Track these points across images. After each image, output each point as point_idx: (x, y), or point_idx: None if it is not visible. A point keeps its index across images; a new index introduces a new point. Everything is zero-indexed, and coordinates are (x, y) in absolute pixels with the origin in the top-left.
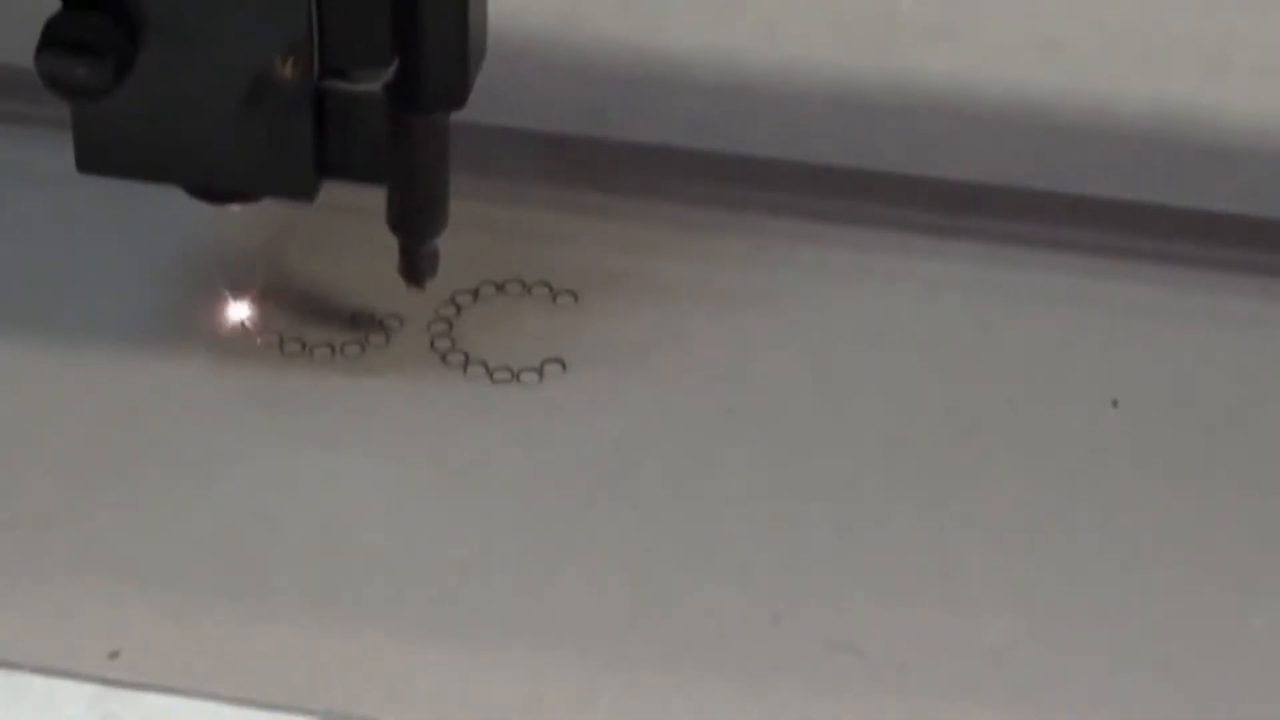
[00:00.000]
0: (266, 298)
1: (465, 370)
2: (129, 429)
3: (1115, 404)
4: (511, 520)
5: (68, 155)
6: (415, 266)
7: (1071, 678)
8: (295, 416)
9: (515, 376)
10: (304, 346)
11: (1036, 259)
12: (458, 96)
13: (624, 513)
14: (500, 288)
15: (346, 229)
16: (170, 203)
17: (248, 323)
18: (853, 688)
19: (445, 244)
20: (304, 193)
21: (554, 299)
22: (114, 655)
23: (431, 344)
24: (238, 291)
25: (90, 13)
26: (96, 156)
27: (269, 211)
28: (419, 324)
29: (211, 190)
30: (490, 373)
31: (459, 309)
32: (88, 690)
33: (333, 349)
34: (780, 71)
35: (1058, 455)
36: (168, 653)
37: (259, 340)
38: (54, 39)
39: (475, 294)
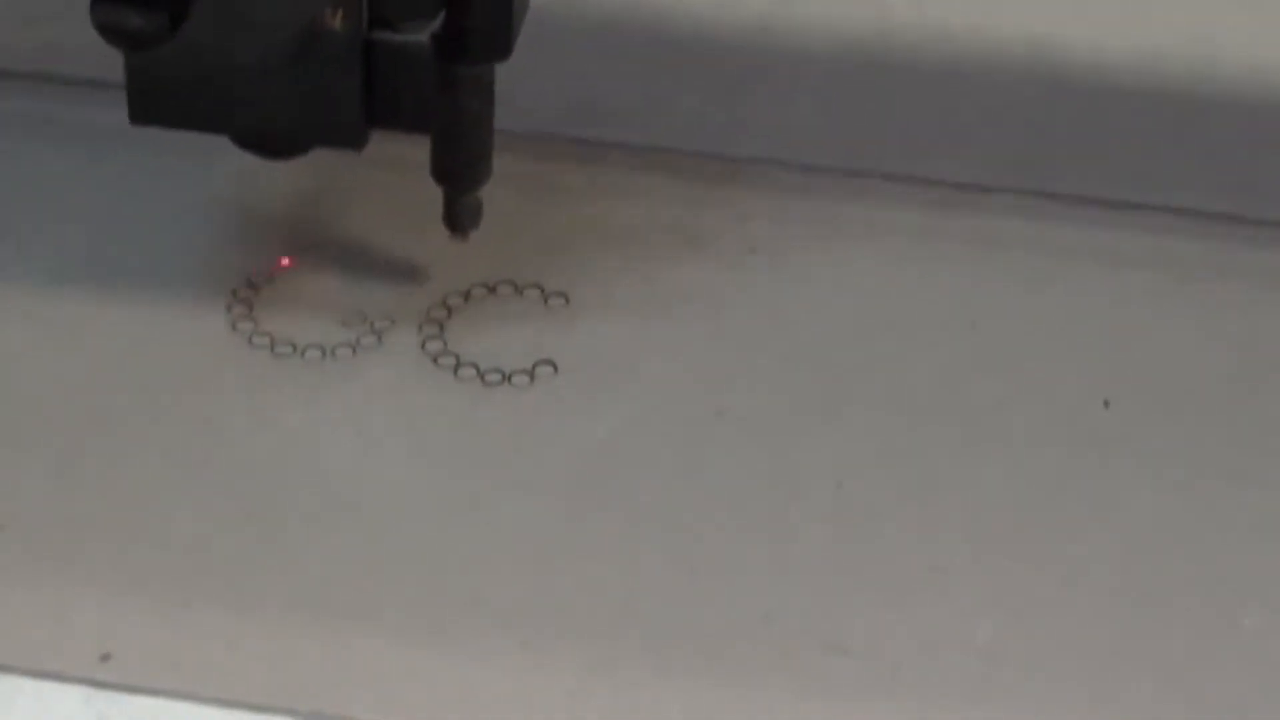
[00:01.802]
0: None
1: (456, 372)
2: (118, 432)
3: (1106, 404)
4: (503, 521)
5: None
6: (458, 216)
7: (1062, 678)
8: (286, 418)
9: (506, 378)
10: (295, 348)
11: (1029, 259)
12: (502, 48)
13: (615, 513)
14: (492, 290)
15: (342, 228)
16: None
17: (240, 322)
18: (843, 687)
19: (436, 246)
20: (353, 142)
21: (545, 301)
22: (105, 657)
23: (423, 346)
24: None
25: None
26: (149, 107)
27: (261, 208)
28: (410, 326)
29: (261, 142)
30: (481, 374)
31: (450, 311)
32: (79, 692)
33: (324, 351)
34: (775, 71)
35: (1049, 455)
36: (159, 655)
37: (250, 342)
38: None
39: (466, 296)
